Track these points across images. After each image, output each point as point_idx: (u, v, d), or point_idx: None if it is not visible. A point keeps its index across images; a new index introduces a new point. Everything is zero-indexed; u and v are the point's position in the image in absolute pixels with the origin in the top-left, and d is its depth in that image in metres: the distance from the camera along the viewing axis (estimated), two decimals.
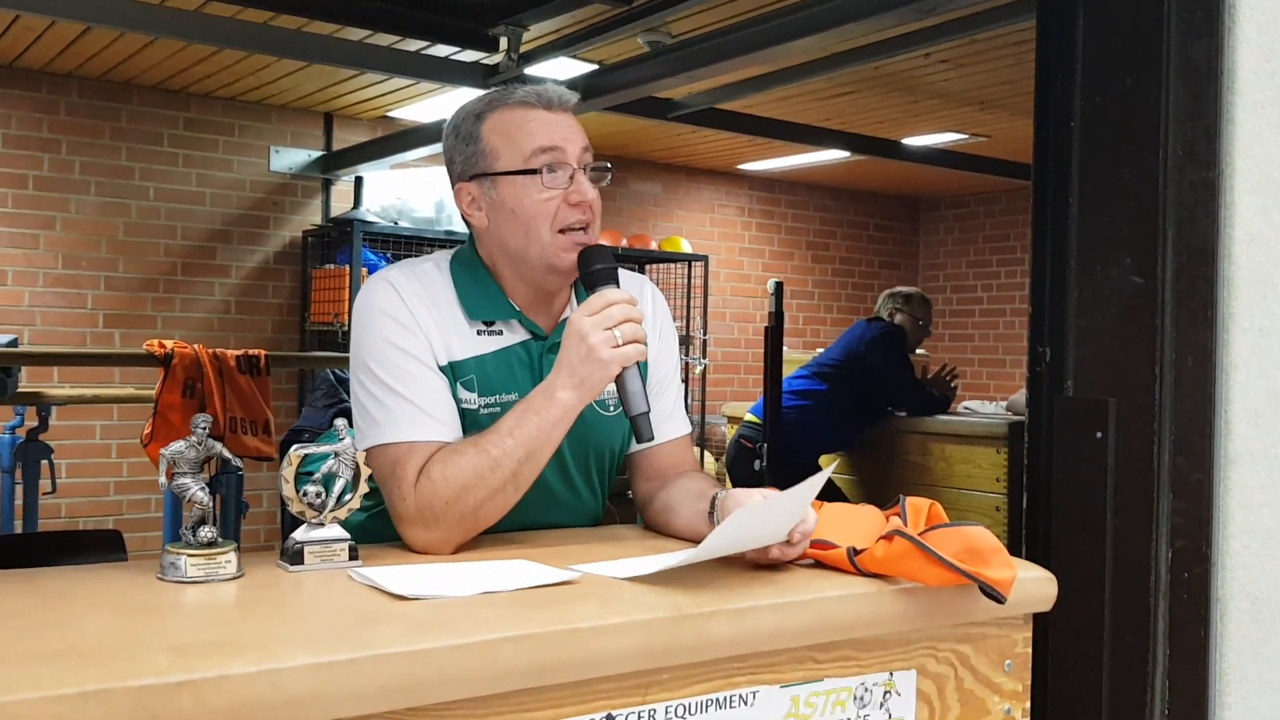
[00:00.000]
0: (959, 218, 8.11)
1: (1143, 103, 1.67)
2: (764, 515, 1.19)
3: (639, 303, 1.42)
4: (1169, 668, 1.66)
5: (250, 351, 3.50)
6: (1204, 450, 1.65)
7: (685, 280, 6.86)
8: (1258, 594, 1.72)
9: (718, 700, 1.09)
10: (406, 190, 5.80)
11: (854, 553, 1.23)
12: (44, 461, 3.96)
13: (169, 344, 3.36)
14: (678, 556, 1.19)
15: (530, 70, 3.98)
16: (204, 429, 1.18)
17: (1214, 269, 1.65)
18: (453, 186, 1.54)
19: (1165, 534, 1.65)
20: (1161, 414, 1.64)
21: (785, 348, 4.26)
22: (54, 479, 3.99)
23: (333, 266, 5.61)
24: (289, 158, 5.78)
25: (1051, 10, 1.82)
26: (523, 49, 3.81)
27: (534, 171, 1.44)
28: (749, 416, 4.53)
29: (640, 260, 6.64)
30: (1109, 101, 1.72)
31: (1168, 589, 1.65)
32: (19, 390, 3.72)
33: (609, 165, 1.52)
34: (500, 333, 1.49)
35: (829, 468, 1.30)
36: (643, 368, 1.40)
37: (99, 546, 3.20)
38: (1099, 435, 1.71)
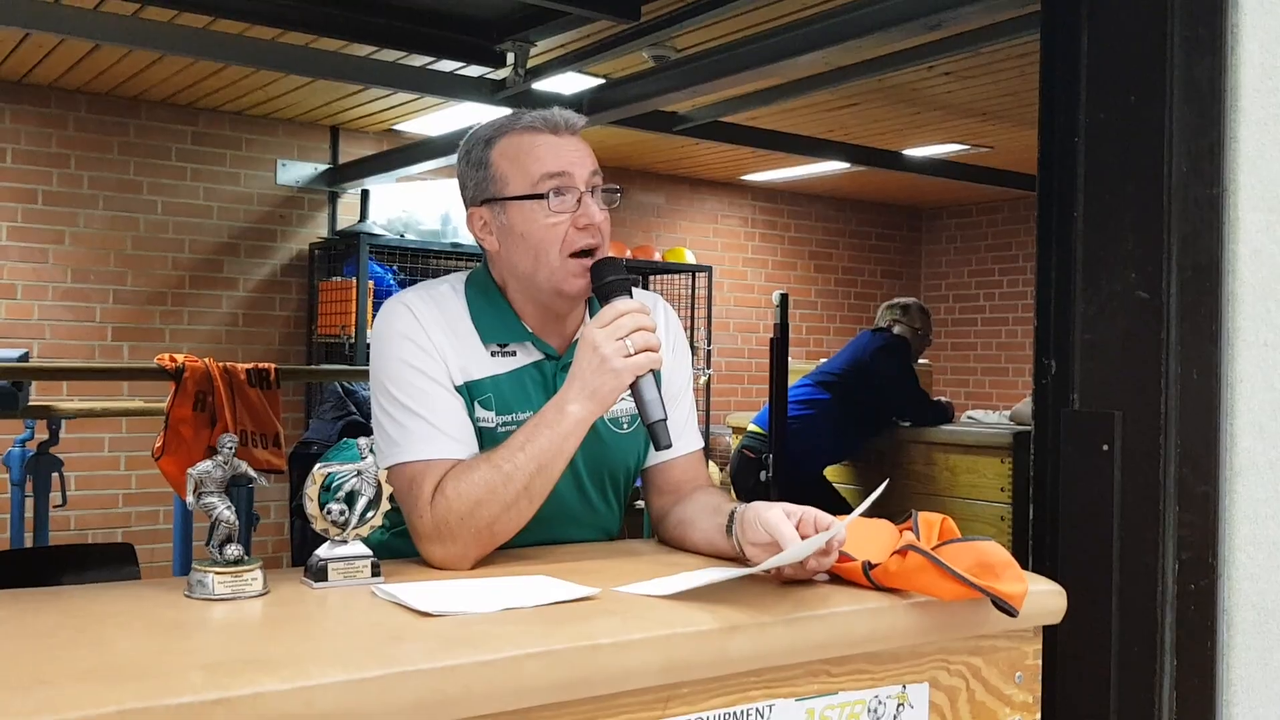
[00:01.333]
0: (961, 227, 8.13)
1: (1147, 120, 1.70)
2: (818, 540, 1.21)
3: (652, 315, 1.43)
4: (1176, 678, 1.68)
5: (260, 365, 3.52)
6: (1209, 463, 1.67)
7: (689, 291, 6.89)
8: (1264, 605, 1.74)
9: (735, 714, 1.11)
10: (413, 203, 5.84)
11: (869, 566, 1.25)
12: (55, 474, 3.98)
13: (180, 358, 3.39)
14: (723, 572, 1.21)
15: (537, 85, 4.01)
16: (230, 449, 1.21)
17: (1219, 284, 1.67)
18: (466, 211, 1.56)
19: (1172, 546, 1.67)
20: (1167, 427, 1.66)
21: (789, 358, 4.28)
22: (64, 492, 4.02)
23: (339, 279, 5.64)
24: (295, 171, 5.81)
25: (1056, 28, 1.85)
26: (530, 64, 3.84)
27: (541, 196, 1.46)
28: (752, 427, 4.55)
29: (644, 271, 6.67)
30: (1114, 118, 1.74)
31: (1175, 600, 1.67)
32: (29, 404, 3.75)
33: (619, 188, 1.54)
34: (514, 354, 1.51)
35: (878, 490, 1.30)
36: (657, 375, 1.42)
37: (111, 560, 3.22)
38: (1105, 448, 1.73)
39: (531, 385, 1.50)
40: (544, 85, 4.08)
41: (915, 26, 3.00)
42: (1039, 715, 1.35)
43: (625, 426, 1.54)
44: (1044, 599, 1.33)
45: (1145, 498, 1.67)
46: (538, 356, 1.52)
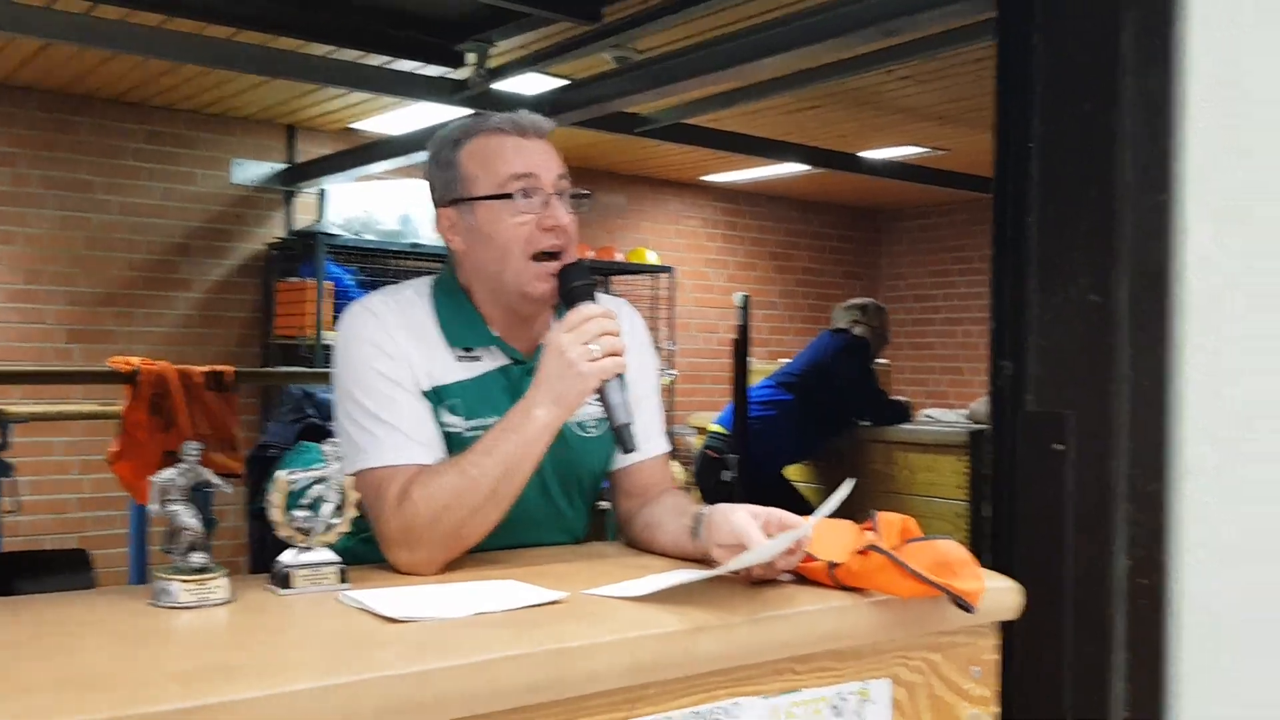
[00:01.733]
0: (920, 228, 8.22)
1: (1100, 128, 1.74)
2: (790, 540, 1.24)
3: (618, 319, 1.45)
4: (1129, 673, 1.72)
5: (217, 368, 3.49)
6: (1159, 464, 1.72)
7: (652, 292, 6.92)
8: (1212, 603, 1.79)
9: (701, 713, 1.13)
10: (371, 203, 5.80)
11: (832, 566, 1.28)
12: (6, 480, 3.92)
13: (135, 361, 3.35)
14: (692, 574, 1.23)
15: (499, 86, 4.01)
16: (193, 456, 1.21)
17: (1168, 290, 1.72)
18: (434, 212, 1.57)
19: (1123, 544, 1.71)
20: (1118, 428, 1.70)
21: (751, 359, 4.32)
22: (18, 498, 3.95)
23: (297, 280, 5.60)
24: (251, 170, 5.76)
25: (1011, 36, 1.88)
26: (491, 64, 3.84)
27: (508, 196, 1.48)
28: (715, 427, 4.58)
29: (606, 272, 6.68)
30: (1067, 126, 1.78)
31: (1125, 598, 1.71)
32: None
33: (587, 193, 1.55)
34: (480, 358, 1.52)
35: (843, 490, 1.32)
36: (623, 379, 1.43)
37: (66, 566, 3.19)
38: (1058, 448, 1.77)
39: (498, 390, 1.51)
40: (505, 86, 4.08)
41: (873, 32, 3.04)
42: (996, 709, 1.38)
43: (592, 430, 1.55)
44: (1001, 595, 1.36)
45: (1097, 496, 1.72)
46: (504, 361, 1.53)
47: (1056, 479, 1.77)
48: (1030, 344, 1.82)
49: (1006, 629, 1.40)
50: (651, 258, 6.84)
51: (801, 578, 1.31)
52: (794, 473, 4.77)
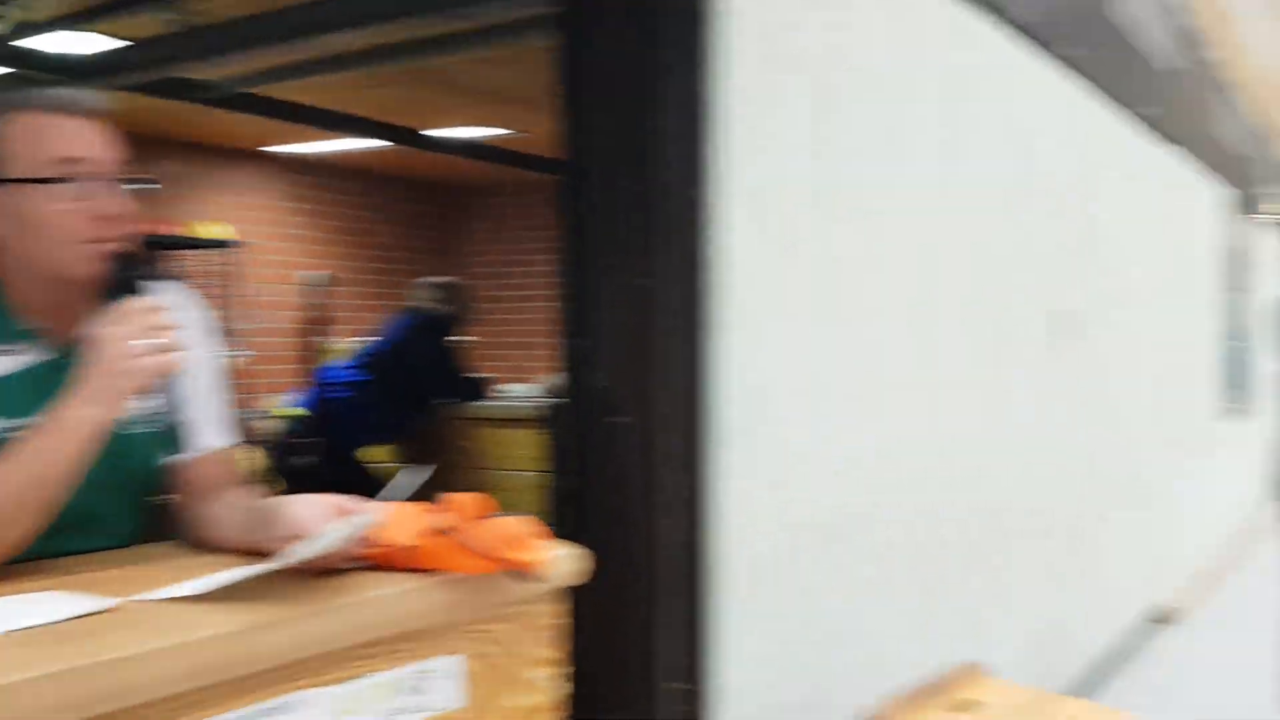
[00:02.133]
0: (499, 205, 8.40)
1: (646, 125, 1.89)
2: (350, 527, 1.23)
3: (173, 309, 1.37)
4: (683, 620, 1.91)
5: None
6: (700, 432, 1.93)
7: (217, 268, 6.51)
8: (750, 559, 2.04)
9: (265, 709, 1.11)
10: None
11: (403, 550, 1.31)
12: None
13: None
14: (253, 569, 1.19)
15: (28, 43, 3.58)
16: None
17: (706, 275, 1.92)
18: None
19: (672, 507, 1.90)
20: (666, 402, 1.88)
21: (329, 338, 4.22)
22: None
23: None
24: None
25: (569, 36, 1.99)
26: (22, 18, 3.41)
27: (53, 181, 1.35)
28: (290, 409, 4.44)
29: (166, 247, 6.19)
30: (617, 124, 1.92)
31: (675, 557, 1.90)
32: None
33: (151, 181, 1.44)
34: (13, 353, 1.38)
35: (413, 477, 1.34)
36: (181, 373, 1.36)
37: None
38: (617, 420, 1.92)
39: (36, 386, 1.37)
40: (36, 43, 3.64)
41: (438, 17, 3.07)
42: (565, 669, 1.48)
43: (142, 427, 1.46)
44: (567, 563, 1.45)
45: (651, 465, 1.89)
46: (43, 356, 1.40)
47: (617, 449, 1.92)
48: (593, 324, 1.95)
49: (578, 593, 1.50)
50: (217, 232, 6.43)
51: (374, 564, 1.33)
52: (379, 454, 4.74)
